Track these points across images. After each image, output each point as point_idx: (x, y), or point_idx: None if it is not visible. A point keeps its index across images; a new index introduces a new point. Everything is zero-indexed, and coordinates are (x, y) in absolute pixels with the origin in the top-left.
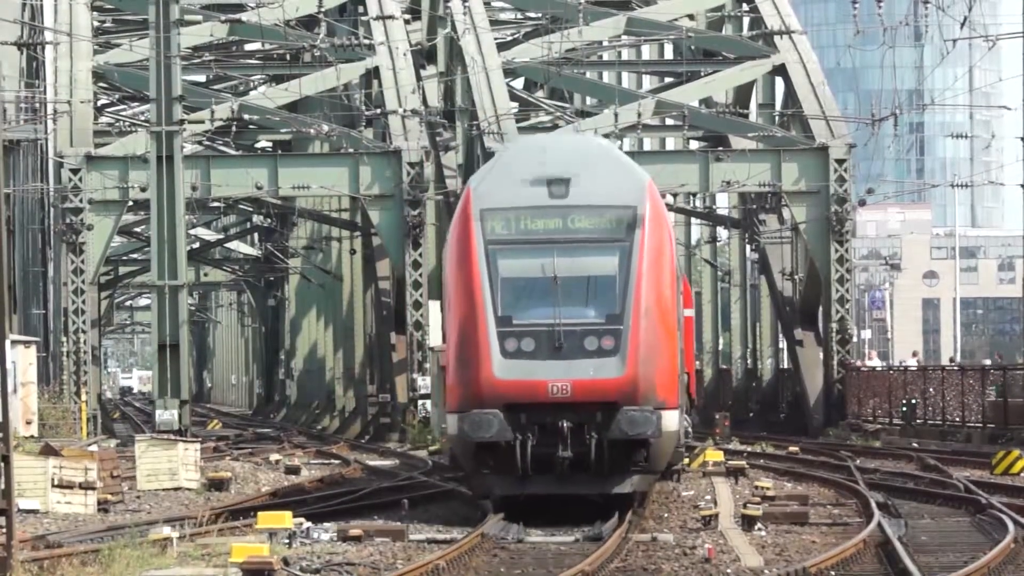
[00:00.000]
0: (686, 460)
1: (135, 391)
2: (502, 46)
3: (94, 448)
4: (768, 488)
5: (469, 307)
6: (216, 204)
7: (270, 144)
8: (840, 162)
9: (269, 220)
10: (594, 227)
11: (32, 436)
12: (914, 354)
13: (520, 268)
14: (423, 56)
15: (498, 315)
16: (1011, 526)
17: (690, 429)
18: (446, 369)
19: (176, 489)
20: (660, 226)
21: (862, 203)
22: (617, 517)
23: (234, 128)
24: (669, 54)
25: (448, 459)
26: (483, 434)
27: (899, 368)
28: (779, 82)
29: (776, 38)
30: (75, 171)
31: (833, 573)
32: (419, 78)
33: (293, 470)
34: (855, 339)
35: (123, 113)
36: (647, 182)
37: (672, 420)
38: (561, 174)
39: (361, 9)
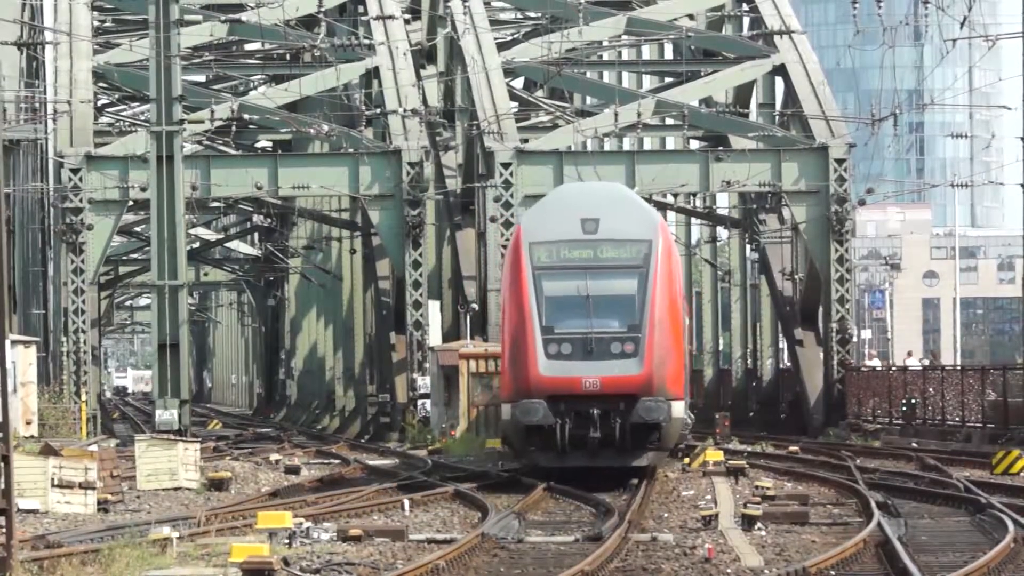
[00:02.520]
0: (686, 460)
1: (130, 391)
2: (502, 46)
3: (94, 448)
4: (768, 488)
5: (520, 319)
6: (216, 204)
7: (270, 144)
8: (840, 162)
9: (269, 220)
10: (618, 256)
11: (32, 436)
12: (909, 354)
13: (560, 288)
14: (423, 56)
15: (543, 325)
16: (1011, 526)
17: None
18: (501, 368)
19: (176, 489)
20: (669, 255)
21: (862, 203)
22: (617, 517)
23: (234, 128)
24: (669, 54)
25: (501, 440)
26: (531, 419)
27: (900, 368)
28: (779, 82)
29: (776, 38)
30: (75, 171)
31: (833, 573)
32: (419, 78)
33: (293, 470)
34: (855, 339)
35: (123, 113)
36: (659, 220)
37: (679, 409)
38: (592, 214)
39: (361, 9)
